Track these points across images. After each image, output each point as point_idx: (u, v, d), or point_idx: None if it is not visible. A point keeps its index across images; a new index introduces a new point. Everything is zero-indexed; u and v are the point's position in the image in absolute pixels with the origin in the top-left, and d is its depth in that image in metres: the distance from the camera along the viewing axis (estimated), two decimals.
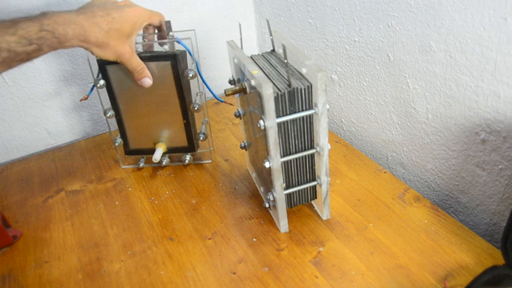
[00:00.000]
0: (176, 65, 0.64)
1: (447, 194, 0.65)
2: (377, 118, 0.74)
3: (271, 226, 0.59)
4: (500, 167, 0.55)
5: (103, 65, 0.64)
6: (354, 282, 0.50)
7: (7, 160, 0.86)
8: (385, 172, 0.68)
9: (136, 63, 0.60)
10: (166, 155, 0.74)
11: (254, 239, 0.58)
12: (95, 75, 0.66)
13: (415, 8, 0.58)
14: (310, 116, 0.51)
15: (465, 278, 0.49)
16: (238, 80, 0.58)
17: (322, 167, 0.53)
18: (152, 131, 0.72)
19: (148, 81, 0.62)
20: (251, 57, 0.58)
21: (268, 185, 0.57)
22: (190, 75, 0.65)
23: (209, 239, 0.59)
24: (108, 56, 0.57)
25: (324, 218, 0.59)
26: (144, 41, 0.65)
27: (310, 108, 0.50)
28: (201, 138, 0.73)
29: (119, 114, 0.69)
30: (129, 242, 0.59)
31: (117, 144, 0.73)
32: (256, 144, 0.59)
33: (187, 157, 0.74)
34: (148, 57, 0.63)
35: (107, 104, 0.69)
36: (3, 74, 0.79)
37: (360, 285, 0.50)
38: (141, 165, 0.74)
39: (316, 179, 0.56)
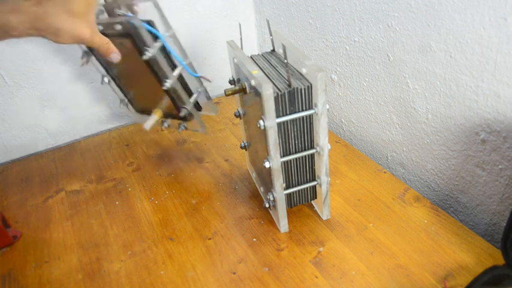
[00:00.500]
0: (136, 41, 0.59)
1: (447, 194, 0.65)
2: (377, 118, 0.74)
3: (271, 226, 0.59)
4: (500, 167, 0.55)
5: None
6: (354, 282, 0.50)
7: (7, 160, 0.86)
8: (385, 172, 0.68)
9: (100, 42, 0.55)
10: (168, 119, 0.74)
11: (254, 239, 0.58)
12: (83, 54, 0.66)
13: (415, 8, 0.58)
14: (310, 116, 0.51)
15: (465, 278, 0.49)
16: (238, 80, 0.58)
17: (322, 167, 0.53)
18: (150, 97, 0.72)
19: (116, 56, 0.58)
20: (251, 57, 0.58)
21: (268, 185, 0.57)
22: (145, 57, 0.60)
23: (209, 239, 0.59)
24: (67, 41, 0.52)
25: (324, 218, 0.59)
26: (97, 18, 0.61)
27: (310, 108, 0.50)
28: (182, 113, 0.69)
29: (117, 82, 0.71)
30: (129, 242, 0.59)
31: (122, 104, 0.75)
32: (256, 144, 0.59)
33: (182, 126, 0.74)
34: (107, 35, 0.58)
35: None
36: (3, 74, 0.79)
37: (360, 285, 0.50)
38: (165, 125, 0.74)
39: (316, 179, 0.56)
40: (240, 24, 0.59)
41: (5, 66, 0.79)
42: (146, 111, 0.75)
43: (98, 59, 0.67)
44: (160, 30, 0.64)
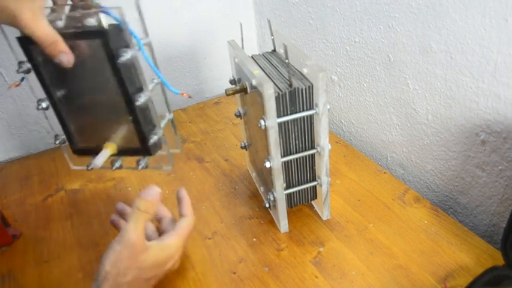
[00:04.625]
0: (108, 44, 0.47)
1: (447, 194, 0.65)
2: (377, 119, 0.74)
3: (271, 226, 0.59)
4: (500, 168, 0.55)
5: (26, 44, 0.49)
6: (354, 283, 0.50)
7: (6, 159, 0.85)
8: (385, 173, 0.68)
9: (45, 33, 0.45)
10: (121, 158, 0.58)
11: (254, 239, 0.58)
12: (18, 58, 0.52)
13: (416, 9, 0.58)
14: (311, 116, 0.51)
15: (465, 279, 0.49)
16: (239, 79, 0.58)
17: (323, 167, 0.53)
18: (99, 128, 0.56)
19: (65, 57, 0.46)
20: (252, 57, 0.58)
21: (269, 185, 0.57)
22: (124, 58, 0.46)
23: (209, 238, 0.59)
24: (1, 19, 0.43)
25: (324, 218, 0.59)
26: (53, 12, 0.49)
27: (311, 108, 0.50)
28: (152, 140, 0.54)
29: (56, 106, 0.54)
30: None
31: (57, 141, 0.57)
32: (256, 144, 0.59)
33: (142, 162, 0.56)
34: (71, 33, 0.47)
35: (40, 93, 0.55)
36: (3, 73, 0.79)
37: (360, 285, 0.50)
38: (90, 167, 0.57)
39: (317, 179, 0.56)
40: (241, 24, 0.59)
41: (5, 65, 0.78)
42: (88, 151, 0.57)
43: (39, 74, 0.52)
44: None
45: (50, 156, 0.82)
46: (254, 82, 0.49)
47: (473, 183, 0.60)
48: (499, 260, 0.50)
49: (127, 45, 0.47)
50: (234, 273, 0.53)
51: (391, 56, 0.65)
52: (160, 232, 0.54)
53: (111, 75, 0.50)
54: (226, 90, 0.54)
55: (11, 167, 0.80)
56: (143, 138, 0.55)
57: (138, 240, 0.45)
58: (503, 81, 0.50)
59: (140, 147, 0.55)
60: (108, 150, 0.55)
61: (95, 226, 0.63)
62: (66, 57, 0.47)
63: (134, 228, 0.45)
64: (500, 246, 0.48)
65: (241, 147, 0.66)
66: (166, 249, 0.48)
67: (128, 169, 0.59)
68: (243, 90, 0.54)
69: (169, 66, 0.96)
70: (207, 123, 0.88)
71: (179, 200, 0.52)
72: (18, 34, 0.48)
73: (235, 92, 0.55)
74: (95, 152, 0.56)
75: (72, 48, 0.47)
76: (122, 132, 0.55)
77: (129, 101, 0.51)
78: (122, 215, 0.57)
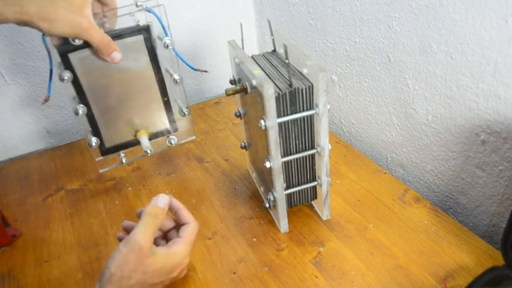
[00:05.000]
0: (150, 38, 0.59)
1: (447, 195, 0.65)
2: (377, 119, 0.74)
3: (271, 226, 0.59)
4: (500, 168, 0.55)
5: (65, 53, 0.55)
6: (354, 283, 0.50)
7: (6, 158, 0.85)
8: (385, 173, 0.68)
9: (101, 36, 0.52)
10: (122, 154, 0.68)
11: (254, 239, 0.58)
12: (54, 67, 0.58)
13: (416, 9, 0.58)
14: (311, 116, 0.51)
15: (465, 279, 0.49)
16: (239, 79, 0.58)
17: (323, 167, 0.53)
18: (128, 121, 0.65)
19: (118, 55, 0.55)
20: (252, 57, 0.58)
21: (269, 185, 0.57)
22: (168, 44, 0.60)
23: (209, 238, 0.59)
24: (61, 29, 0.48)
25: (324, 218, 0.59)
26: (104, 17, 0.58)
27: (311, 108, 0.50)
28: (186, 112, 0.67)
29: (90, 110, 0.61)
30: None
31: (94, 144, 0.63)
32: (256, 144, 0.59)
33: (172, 139, 0.69)
34: (117, 34, 0.57)
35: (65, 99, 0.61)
36: (3, 72, 0.79)
37: (360, 285, 0.50)
38: (124, 160, 0.67)
39: (317, 179, 0.56)
40: (241, 24, 0.59)
41: (5, 65, 0.78)
42: (112, 149, 0.66)
43: (76, 83, 0.58)
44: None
45: (50, 156, 0.82)
46: (254, 82, 0.49)
47: (473, 183, 0.60)
48: (499, 260, 0.50)
49: (167, 34, 0.60)
50: (234, 273, 0.53)
51: (391, 56, 0.65)
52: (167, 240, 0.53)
53: (148, 65, 0.61)
54: (226, 90, 0.54)
55: (11, 166, 0.80)
56: (171, 116, 0.67)
57: (145, 243, 0.45)
58: (503, 82, 0.50)
59: (168, 126, 0.68)
60: (145, 135, 0.66)
61: (95, 226, 0.63)
62: (118, 54, 0.55)
63: (143, 232, 0.45)
64: (500, 246, 0.48)
65: (241, 147, 0.66)
66: (174, 256, 0.48)
67: (158, 151, 0.70)
68: (243, 90, 0.54)
69: None
70: (207, 123, 0.88)
71: (176, 210, 0.52)
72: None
73: (235, 92, 0.55)
74: (119, 148, 0.66)
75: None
76: (151, 118, 0.66)
77: (163, 84, 0.64)
78: (129, 231, 0.57)
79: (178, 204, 0.52)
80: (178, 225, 0.53)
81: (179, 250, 0.48)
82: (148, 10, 0.58)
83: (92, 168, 0.77)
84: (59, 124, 0.88)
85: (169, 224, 0.53)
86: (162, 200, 0.49)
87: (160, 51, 0.62)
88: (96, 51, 0.54)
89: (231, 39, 0.60)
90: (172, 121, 0.68)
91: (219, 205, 0.65)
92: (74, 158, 0.81)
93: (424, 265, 0.51)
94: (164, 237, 0.54)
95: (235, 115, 0.62)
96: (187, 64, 0.64)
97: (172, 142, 0.69)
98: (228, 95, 0.54)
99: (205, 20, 0.96)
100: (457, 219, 0.65)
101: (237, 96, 0.62)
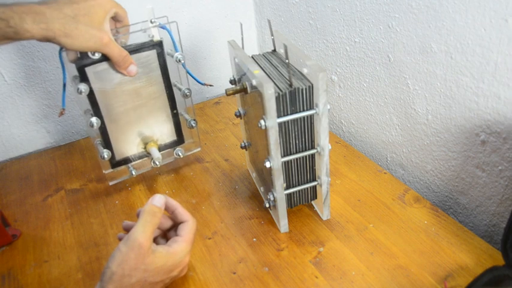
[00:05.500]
0: (162, 53, 0.62)
1: (447, 195, 0.65)
2: (377, 119, 0.74)
3: (271, 226, 0.59)
4: (500, 168, 0.55)
5: (82, 67, 0.57)
6: (354, 283, 0.50)
7: (6, 158, 0.85)
8: (385, 173, 0.68)
9: (120, 49, 0.55)
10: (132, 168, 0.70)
11: (254, 239, 0.58)
12: (70, 80, 0.60)
13: (416, 9, 0.58)
14: (311, 116, 0.51)
15: (465, 279, 0.49)
16: (239, 79, 0.58)
17: (323, 167, 0.53)
18: (138, 134, 0.67)
19: (134, 68, 0.57)
20: (252, 57, 0.58)
21: (269, 185, 0.57)
22: (180, 59, 0.63)
23: (209, 238, 0.59)
24: (82, 44, 0.51)
25: (324, 218, 0.59)
26: (117, 33, 0.60)
27: (311, 108, 0.50)
28: (194, 125, 0.69)
29: (103, 123, 0.63)
30: None
31: (106, 157, 0.64)
32: (256, 144, 0.59)
33: (180, 150, 0.71)
34: (132, 49, 0.60)
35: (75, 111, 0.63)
36: (3, 72, 0.79)
37: (360, 285, 0.50)
38: (133, 173, 0.68)
39: (317, 179, 0.56)
40: (241, 24, 0.59)
41: (5, 65, 0.78)
42: (121, 162, 0.68)
43: (91, 96, 0.60)
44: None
45: (50, 156, 0.82)
46: (254, 82, 0.49)
47: (473, 183, 0.60)
48: (499, 260, 0.50)
49: (177, 49, 0.64)
50: (234, 273, 0.53)
51: (391, 56, 0.65)
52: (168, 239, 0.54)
53: (159, 79, 0.64)
54: (226, 90, 0.54)
55: (11, 166, 0.80)
56: (179, 129, 0.70)
57: (145, 241, 0.45)
58: (503, 82, 0.50)
59: (176, 138, 0.71)
60: (155, 147, 0.68)
61: (95, 226, 0.63)
62: (134, 68, 0.57)
63: (142, 231, 0.46)
64: (500, 246, 0.48)
65: (241, 147, 0.66)
66: (174, 255, 0.48)
67: (167, 162, 0.72)
68: (243, 90, 0.54)
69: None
70: (207, 123, 0.88)
71: (172, 209, 0.52)
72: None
73: (235, 92, 0.55)
74: (128, 160, 0.68)
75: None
76: (160, 131, 0.69)
77: (173, 97, 0.67)
78: (129, 231, 0.57)
79: (174, 203, 0.52)
80: (176, 224, 0.53)
81: (179, 248, 0.48)
82: (163, 27, 0.61)
83: (92, 168, 0.77)
84: (59, 124, 0.88)
85: (168, 222, 0.53)
86: (158, 200, 0.50)
87: (170, 66, 0.65)
88: (113, 64, 0.57)
89: (231, 39, 0.60)
90: (179, 133, 0.71)
91: (219, 205, 0.65)
92: (74, 158, 0.81)
93: (424, 265, 0.51)
94: (164, 236, 0.54)
95: (235, 115, 0.62)
96: (195, 79, 0.67)
97: (180, 154, 0.71)
98: (228, 94, 0.54)
99: (205, 20, 0.96)
100: (457, 219, 0.65)
101: (237, 96, 0.62)
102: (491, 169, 0.56)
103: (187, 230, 0.50)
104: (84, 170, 0.77)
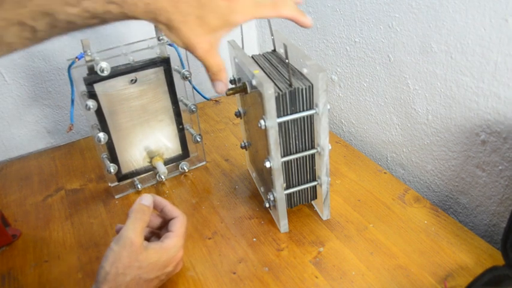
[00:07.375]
0: (169, 69, 0.63)
1: (447, 195, 0.65)
2: (377, 119, 0.74)
3: (271, 226, 0.59)
4: (500, 168, 0.55)
5: (91, 83, 0.58)
6: (354, 283, 0.50)
7: (6, 158, 0.85)
8: (385, 173, 0.68)
9: (215, 61, 0.48)
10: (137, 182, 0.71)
11: (254, 239, 0.58)
12: (78, 95, 0.60)
13: (416, 9, 0.58)
14: (311, 116, 0.51)
15: (465, 279, 0.49)
16: (239, 79, 0.58)
17: (323, 167, 0.53)
18: (144, 148, 0.69)
19: (222, 86, 0.49)
20: (252, 57, 0.58)
21: (269, 185, 0.57)
22: (187, 75, 0.65)
23: (209, 238, 0.59)
24: (176, 42, 0.47)
25: (324, 218, 0.59)
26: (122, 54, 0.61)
27: (311, 108, 0.50)
28: (199, 140, 0.71)
29: (110, 137, 0.64)
30: None
31: (112, 171, 0.65)
32: (256, 144, 0.59)
33: (185, 164, 0.72)
34: (140, 66, 0.61)
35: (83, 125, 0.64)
36: (3, 72, 0.79)
37: (360, 285, 0.50)
38: (139, 186, 0.69)
39: (317, 179, 0.56)
40: (241, 24, 0.59)
41: (5, 65, 0.78)
42: (128, 176, 0.69)
43: (98, 111, 0.61)
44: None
45: (50, 156, 0.82)
46: (254, 82, 0.49)
47: (473, 183, 0.60)
48: (499, 260, 0.50)
49: (175, 69, 0.65)
50: (234, 273, 0.53)
51: (391, 56, 0.65)
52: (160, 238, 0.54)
53: (165, 95, 0.65)
54: (226, 90, 0.54)
55: (11, 166, 0.80)
56: (185, 143, 0.71)
57: (136, 238, 0.45)
58: (503, 81, 0.50)
59: (181, 152, 0.72)
60: (160, 161, 0.69)
61: (95, 226, 0.63)
62: (223, 86, 0.49)
63: (132, 228, 0.46)
64: (500, 246, 0.48)
65: (241, 147, 0.66)
66: (167, 250, 0.48)
67: (172, 176, 0.72)
68: (243, 90, 0.54)
69: None
70: (207, 123, 0.88)
71: (161, 207, 0.52)
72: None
73: (235, 92, 0.55)
74: (134, 174, 0.69)
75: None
76: (165, 145, 0.70)
77: (179, 113, 0.68)
78: None
79: (162, 200, 0.53)
80: (166, 222, 0.53)
81: (172, 243, 0.49)
82: (171, 44, 0.63)
83: (92, 168, 0.77)
84: (59, 124, 0.88)
85: (157, 220, 0.54)
86: (146, 198, 0.51)
87: (177, 81, 0.66)
88: (208, 72, 0.49)
89: (231, 39, 0.60)
90: (185, 148, 0.72)
91: (219, 205, 0.65)
92: (74, 158, 0.81)
93: (424, 265, 0.51)
94: (157, 236, 0.54)
95: (235, 115, 0.62)
96: (201, 95, 0.68)
97: (185, 168, 0.72)
98: (227, 94, 0.54)
99: None
100: (457, 219, 0.65)
101: (237, 96, 0.62)
102: (491, 169, 0.56)
103: (178, 225, 0.51)
104: (84, 170, 0.77)
